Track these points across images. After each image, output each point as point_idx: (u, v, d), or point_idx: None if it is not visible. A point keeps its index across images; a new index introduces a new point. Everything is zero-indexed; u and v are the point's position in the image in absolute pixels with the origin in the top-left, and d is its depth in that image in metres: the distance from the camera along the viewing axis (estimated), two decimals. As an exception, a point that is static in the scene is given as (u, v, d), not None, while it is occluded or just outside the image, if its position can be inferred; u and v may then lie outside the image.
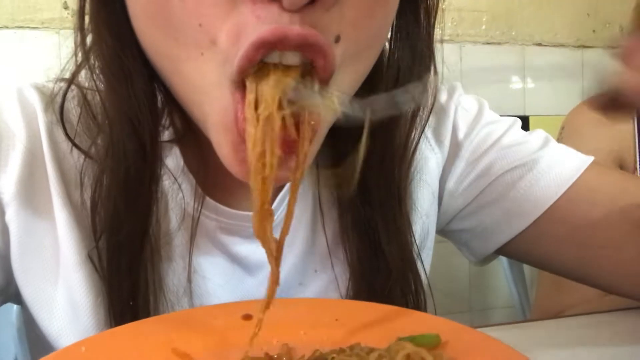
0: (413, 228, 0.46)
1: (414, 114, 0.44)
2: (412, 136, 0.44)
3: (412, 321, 0.34)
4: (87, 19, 0.36)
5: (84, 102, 0.39)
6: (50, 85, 0.41)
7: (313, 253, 0.46)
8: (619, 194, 0.45)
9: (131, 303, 0.38)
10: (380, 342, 0.30)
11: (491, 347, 0.29)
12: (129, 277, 0.38)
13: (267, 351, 0.31)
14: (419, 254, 0.46)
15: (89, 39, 0.36)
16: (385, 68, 0.41)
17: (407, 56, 0.41)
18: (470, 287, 1.40)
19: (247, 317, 0.36)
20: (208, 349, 0.32)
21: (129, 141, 0.36)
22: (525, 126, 1.52)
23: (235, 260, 0.44)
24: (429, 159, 0.49)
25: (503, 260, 1.12)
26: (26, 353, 0.46)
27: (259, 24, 0.27)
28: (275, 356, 0.29)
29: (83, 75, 0.38)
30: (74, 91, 0.40)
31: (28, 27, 1.06)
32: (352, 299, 0.44)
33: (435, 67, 0.43)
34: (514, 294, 1.12)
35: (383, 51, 0.40)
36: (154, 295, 0.39)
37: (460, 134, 0.50)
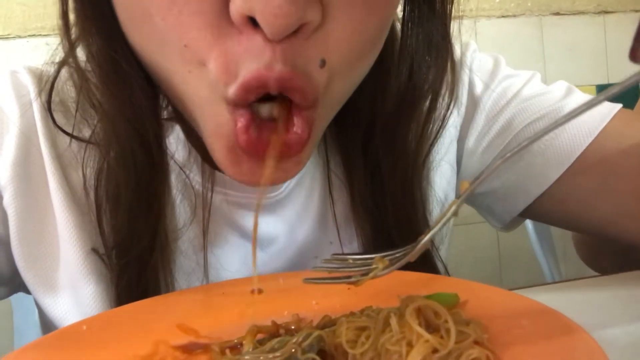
0: (429, 208, 0.44)
1: (432, 105, 0.41)
2: (430, 126, 0.42)
3: (428, 284, 0.32)
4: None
5: (80, 82, 0.37)
6: (43, 67, 0.40)
7: (327, 226, 0.44)
8: None
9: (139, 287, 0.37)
10: (392, 302, 0.28)
11: (515, 302, 0.27)
12: (139, 263, 0.37)
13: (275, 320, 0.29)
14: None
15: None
16: (397, 59, 0.39)
17: (421, 47, 0.39)
18: (500, 267, 1.36)
19: (258, 292, 0.34)
20: (215, 325, 0.30)
21: (129, 127, 0.35)
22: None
23: (244, 234, 0.42)
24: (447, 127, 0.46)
25: (532, 236, 1.08)
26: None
27: (246, 59, 0.26)
28: (283, 324, 0.27)
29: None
30: (68, 73, 0.39)
31: (40, 34, 1.07)
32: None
33: (453, 60, 0.41)
34: (545, 270, 1.08)
35: (394, 36, 0.39)
36: (167, 270, 0.38)
37: (477, 90, 0.47)
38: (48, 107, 0.38)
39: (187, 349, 0.28)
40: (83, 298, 0.38)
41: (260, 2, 0.24)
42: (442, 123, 0.43)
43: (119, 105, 0.34)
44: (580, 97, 0.45)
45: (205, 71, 0.27)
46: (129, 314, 0.31)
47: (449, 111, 0.43)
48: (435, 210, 0.46)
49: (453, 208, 0.23)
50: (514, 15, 1.34)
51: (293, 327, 0.27)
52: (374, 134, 0.41)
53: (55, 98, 0.39)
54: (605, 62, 1.40)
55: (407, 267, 0.39)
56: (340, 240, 0.44)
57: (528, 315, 0.25)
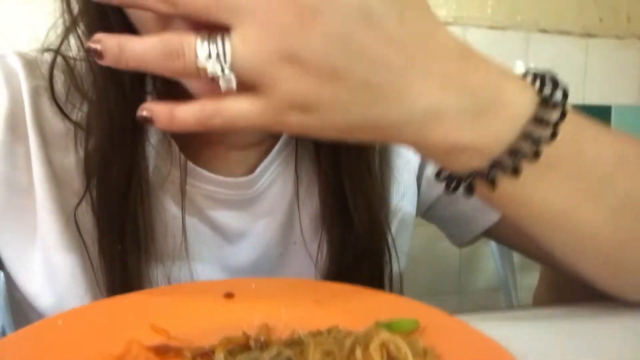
0: (392, 198, 0.48)
1: None
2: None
3: (392, 305, 0.34)
4: None
5: (68, 69, 0.40)
6: (34, 53, 0.41)
7: (293, 226, 0.46)
8: None
9: (119, 247, 0.39)
10: (359, 325, 0.30)
11: (468, 335, 0.29)
12: (117, 232, 0.39)
13: (246, 330, 0.31)
14: (391, 230, 0.47)
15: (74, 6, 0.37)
16: None
17: None
18: (460, 268, 1.41)
19: (229, 296, 0.36)
20: (188, 328, 0.32)
21: (118, 104, 0.37)
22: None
23: (215, 227, 0.44)
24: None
25: (492, 243, 1.13)
26: (12, 322, 0.46)
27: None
28: (253, 336, 0.29)
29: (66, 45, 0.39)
30: (56, 59, 0.40)
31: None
32: (327, 272, 0.45)
33: None
34: (501, 277, 1.13)
35: None
36: (139, 251, 0.40)
37: None
38: (50, 84, 0.40)
39: (160, 350, 0.29)
40: (58, 275, 0.39)
41: None
42: None
43: (109, 70, 0.35)
44: None
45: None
46: (103, 310, 0.32)
47: None
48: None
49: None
50: (503, 28, 1.36)
51: (263, 339, 0.29)
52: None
53: (42, 83, 0.40)
54: (583, 83, 1.45)
55: (364, 252, 0.42)
56: (304, 241, 0.46)
57: (478, 350, 0.27)
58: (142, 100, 0.38)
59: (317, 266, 0.45)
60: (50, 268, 0.40)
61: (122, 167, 0.38)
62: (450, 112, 0.28)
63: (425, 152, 0.32)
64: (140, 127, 0.39)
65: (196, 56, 0.25)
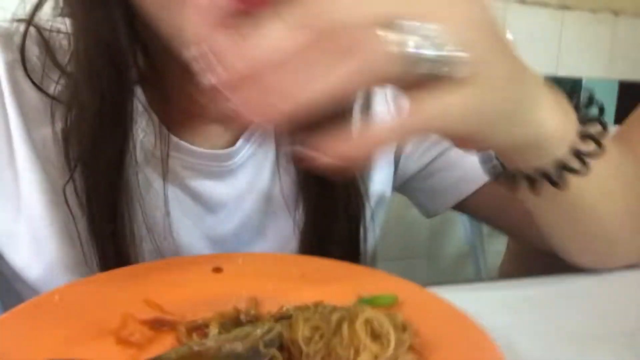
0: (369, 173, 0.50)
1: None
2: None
3: (373, 280, 0.36)
4: None
5: (44, 41, 0.39)
6: (6, 24, 0.40)
7: (273, 196, 0.48)
8: None
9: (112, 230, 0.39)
10: (343, 298, 0.32)
11: (441, 308, 0.32)
12: (107, 205, 0.39)
13: (235, 304, 0.33)
14: (369, 199, 0.49)
15: None
16: None
17: None
18: (430, 234, 1.46)
19: (217, 270, 0.38)
20: (179, 302, 0.33)
21: (106, 69, 0.37)
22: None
23: (197, 197, 0.46)
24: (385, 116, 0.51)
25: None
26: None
27: None
28: (244, 310, 0.31)
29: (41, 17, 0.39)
30: (31, 31, 0.40)
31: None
32: (306, 240, 0.47)
33: None
34: (470, 243, 1.18)
35: None
36: (130, 223, 0.41)
37: None
38: (22, 57, 0.39)
39: (154, 325, 0.31)
40: (45, 247, 0.40)
41: None
42: None
43: (96, 30, 0.36)
44: None
45: None
46: (97, 285, 0.33)
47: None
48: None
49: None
50: (482, -2, 1.37)
51: (253, 313, 0.31)
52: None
53: (17, 56, 0.40)
54: (557, 56, 1.48)
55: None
56: (284, 208, 0.48)
57: (450, 322, 0.30)
58: (129, 75, 0.38)
59: (296, 234, 0.48)
60: (37, 240, 0.41)
61: (114, 146, 0.38)
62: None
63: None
64: (128, 102, 0.39)
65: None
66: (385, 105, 0.51)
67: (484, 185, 0.51)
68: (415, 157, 0.53)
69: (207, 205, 0.46)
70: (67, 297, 0.31)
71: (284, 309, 0.30)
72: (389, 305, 0.32)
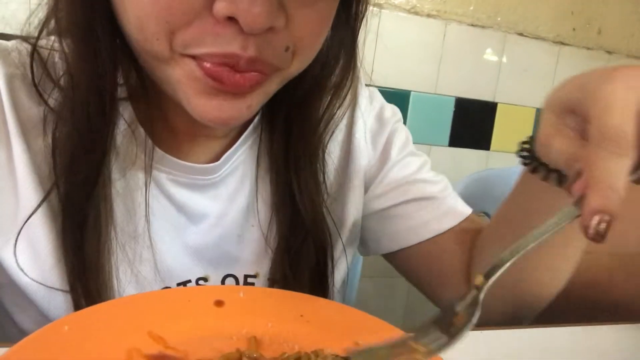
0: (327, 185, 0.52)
1: (333, 96, 0.49)
2: (330, 113, 0.50)
3: (369, 325, 0.38)
4: None
5: (39, 58, 0.41)
6: (5, 42, 0.43)
7: (253, 209, 0.50)
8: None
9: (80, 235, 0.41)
10: (340, 343, 0.33)
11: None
12: (82, 212, 0.41)
13: (236, 343, 0.34)
14: (333, 219, 0.52)
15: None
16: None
17: (335, 48, 0.47)
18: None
19: (219, 304, 0.39)
20: (182, 334, 0.34)
21: (91, 95, 0.39)
22: (493, 113, 1.55)
23: (181, 208, 0.47)
24: (362, 151, 0.55)
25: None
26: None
27: (218, 39, 0.34)
28: (246, 353, 0.32)
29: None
30: (28, 48, 0.42)
31: None
32: (277, 252, 0.50)
33: (355, 63, 0.49)
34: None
35: None
36: (105, 232, 0.42)
37: (393, 153, 0.56)
38: (31, 76, 0.41)
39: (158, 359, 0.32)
40: (41, 253, 0.41)
41: (242, 9, 0.32)
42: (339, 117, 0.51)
43: (84, 61, 0.39)
44: (453, 196, 0.57)
45: (180, 34, 0.34)
46: (102, 315, 0.34)
47: (347, 108, 0.52)
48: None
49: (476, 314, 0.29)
50: (483, 26, 1.39)
51: (255, 356, 0.32)
52: (292, 131, 0.48)
53: (16, 71, 0.42)
54: (551, 87, 1.52)
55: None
56: (259, 224, 0.51)
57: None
58: (114, 89, 0.40)
59: (269, 247, 0.50)
60: (33, 246, 0.41)
61: (92, 155, 0.40)
62: None
63: None
64: (110, 114, 0.41)
65: None
66: (364, 134, 0.55)
67: (426, 241, 0.54)
68: (382, 198, 0.56)
69: (189, 215, 0.48)
70: (75, 327, 0.32)
71: (285, 355, 0.32)
72: None
